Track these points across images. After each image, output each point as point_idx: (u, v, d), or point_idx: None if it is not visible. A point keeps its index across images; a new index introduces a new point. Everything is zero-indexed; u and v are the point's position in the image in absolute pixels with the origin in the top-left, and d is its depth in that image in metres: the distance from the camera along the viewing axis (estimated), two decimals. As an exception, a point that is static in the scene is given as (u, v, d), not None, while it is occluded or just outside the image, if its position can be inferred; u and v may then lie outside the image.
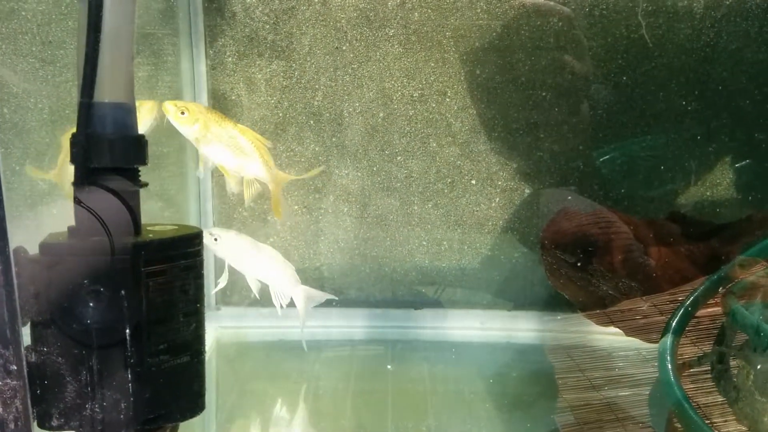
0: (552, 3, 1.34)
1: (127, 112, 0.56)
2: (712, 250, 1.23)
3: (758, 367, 0.94)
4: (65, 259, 0.55)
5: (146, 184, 0.59)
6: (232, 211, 1.46)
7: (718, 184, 1.42)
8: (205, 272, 0.64)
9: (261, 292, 1.16)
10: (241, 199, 1.45)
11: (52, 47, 1.24)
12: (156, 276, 0.57)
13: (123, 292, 0.55)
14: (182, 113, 1.08)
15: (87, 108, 0.54)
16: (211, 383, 1.27)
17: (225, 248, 1.13)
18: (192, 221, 1.43)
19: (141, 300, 0.56)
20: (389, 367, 1.27)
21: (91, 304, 0.55)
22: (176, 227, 0.63)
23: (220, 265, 1.42)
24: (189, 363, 0.61)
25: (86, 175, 0.55)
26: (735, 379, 0.99)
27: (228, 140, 1.11)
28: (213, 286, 1.44)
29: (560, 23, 1.35)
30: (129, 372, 0.56)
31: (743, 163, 1.42)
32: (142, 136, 0.58)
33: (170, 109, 1.08)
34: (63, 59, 1.23)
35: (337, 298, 1.22)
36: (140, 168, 0.60)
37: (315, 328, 1.42)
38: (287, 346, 1.41)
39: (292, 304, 1.17)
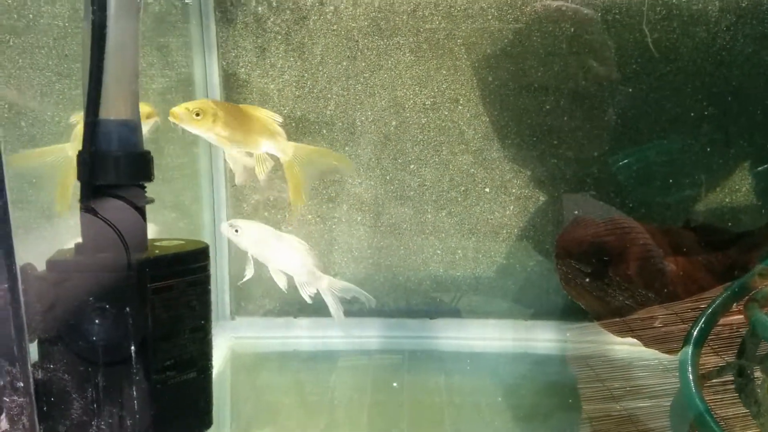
0: (574, 6, 1.33)
1: (132, 130, 0.57)
2: (730, 259, 1.20)
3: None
4: (72, 276, 0.55)
5: (152, 200, 0.59)
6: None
7: (737, 189, 1.40)
8: (213, 286, 0.64)
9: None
10: (258, 205, 1.46)
11: (68, 61, 1.25)
12: (162, 292, 0.57)
13: (129, 308, 0.55)
14: (197, 115, 1.01)
15: (92, 126, 0.54)
16: (226, 394, 1.27)
17: (246, 239, 1.10)
18: (206, 231, 1.43)
19: (147, 316, 0.56)
20: (395, 384, 1.25)
21: (97, 321, 0.55)
22: (183, 242, 0.63)
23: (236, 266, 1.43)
24: (195, 379, 0.61)
25: (92, 192, 0.56)
26: (758, 392, 0.97)
27: (234, 122, 1.07)
28: (227, 296, 1.45)
29: (572, 29, 1.34)
30: (135, 389, 0.56)
31: (763, 167, 1.40)
32: (148, 153, 0.58)
33: (181, 114, 1.00)
34: (79, 73, 1.24)
35: (373, 299, 1.17)
36: (154, 178, 0.60)
37: (329, 338, 1.43)
38: (302, 356, 1.41)
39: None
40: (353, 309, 1.46)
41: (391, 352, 1.41)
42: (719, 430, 0.94)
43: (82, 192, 0.56)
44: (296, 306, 1.48)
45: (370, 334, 1.43)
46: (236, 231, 1.10)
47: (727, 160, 1.39)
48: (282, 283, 1.11)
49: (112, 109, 0.55)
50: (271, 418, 1.22)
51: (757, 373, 1.02)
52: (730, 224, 1.39)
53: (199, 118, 1.01)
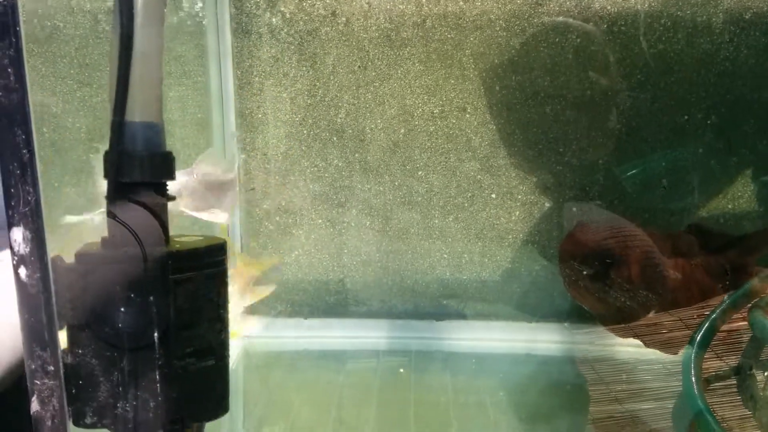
0: (575, 21, 1.36)
1: (156, 131, 0.60)
2: (729, 261, 1.23)
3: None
4: (99, 268, 0.59)
5: (174, 198, 0.62)
6: (258, 225, 1.50)
7: (739, 197, 1.42)
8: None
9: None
10: (270, 210, 1.49)
11: (89, 69, 1.30)
12: (182, 284, 0.61)
13: (152, 298, 0.59)
14: None
15: (119, 127, 0.58)
16: (238, 392, 1.31)
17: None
18: (220, 236, 1.47)
19: (169, 306, 0.60)
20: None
21: (122, 310, 0.59)
22: (202, 238, 0.67)
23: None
24: (214, 366, 0.64)
25: (118, 190, 0.59)
26: (756, 387, 1.00)
27: None
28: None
29: (578, 39, 1.37)
30: (158, 373, 0.60)
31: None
32: (170, 153, 0.62)
33: None
34: (99, 81, 1.29)
35: None
36: (176, 177, 0.63)
37: (338, 338, 1.46)
38: (312, 355, 1.44)
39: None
40: (362, 310, 1.51)
41: (399, 353, 1.43)
42: (718, 426, 0.96)
43: (109, 189, 0.60)
44: (307, 308, 1.52)
45: (378, 334, 1.46)
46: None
47: (729, 167, 1.42)
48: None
49: (137, 112, 0.59)
50: (282, 415, 1.25)
51: (760, 375, 1.05)
52: (741, 223, 1.42)
53: None
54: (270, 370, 1.43)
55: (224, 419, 1.20)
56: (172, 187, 0.63)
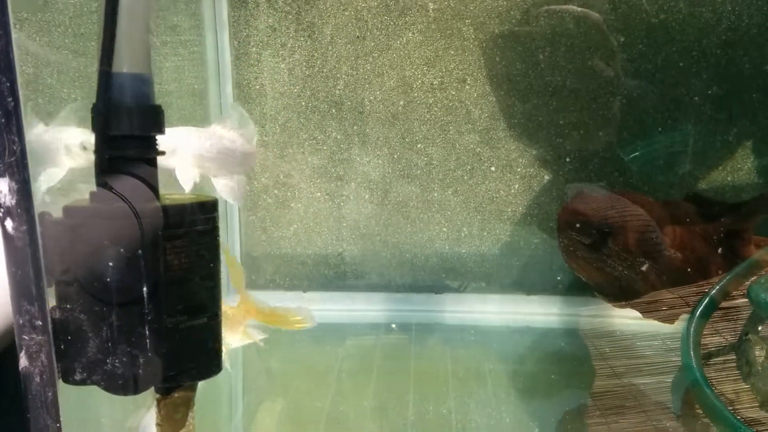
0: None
1: (144, 83, 0.59)
2: (725, 227, 1.23)
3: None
4: (87, 222, 0.58)
5: (163, 153, 0.61)
6: (257, 198, 1.49)
7: (739, 168, 1.41)
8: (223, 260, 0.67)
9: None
10: (269, 183, 1.48)
11: (84, 39, 1.28)
12: (173, 239, 0.60)
13: (141, 253, 0.58)
14: None
15: (106, 77, 0.57)
16: (238, 366, 1.30)
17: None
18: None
19: (159, 261, 0.59)
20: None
21: (111, 264, 0.57)
22: (193, 196, 0.66)
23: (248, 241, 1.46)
24: (206, 324, 0.63)
25: (106, 143, 0.58)
26: (752, 352, 0.99)
27: None
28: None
29: (579, 9, 1.36)
30: (147, 330, 0.59)
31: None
32: (159, 106, 0.61)
33: None
34: (94, 51, 1.27)
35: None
36: (165, 131, 0.62)
37: (337, 311, 1.46)
38: (312, 328, 1.43)
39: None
40: (360, 284, 1.50)
41: (398, 326, 1.43)
42: (712, 393, 0.96)
43: (97, 142, 0.59)
44: (305, 281, 1.52)
45: (377, 308, 1.46)
46: None
47: (730, 139, 1.40)
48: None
49: (125, 63, 0.58)
50: (282, 390, 1.24)
51: (758, 350, 1.04)
52: (740, 195, 1.41)
53: None
54: (269, 343, 1.42)
55: (223, 392, 1.20)
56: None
